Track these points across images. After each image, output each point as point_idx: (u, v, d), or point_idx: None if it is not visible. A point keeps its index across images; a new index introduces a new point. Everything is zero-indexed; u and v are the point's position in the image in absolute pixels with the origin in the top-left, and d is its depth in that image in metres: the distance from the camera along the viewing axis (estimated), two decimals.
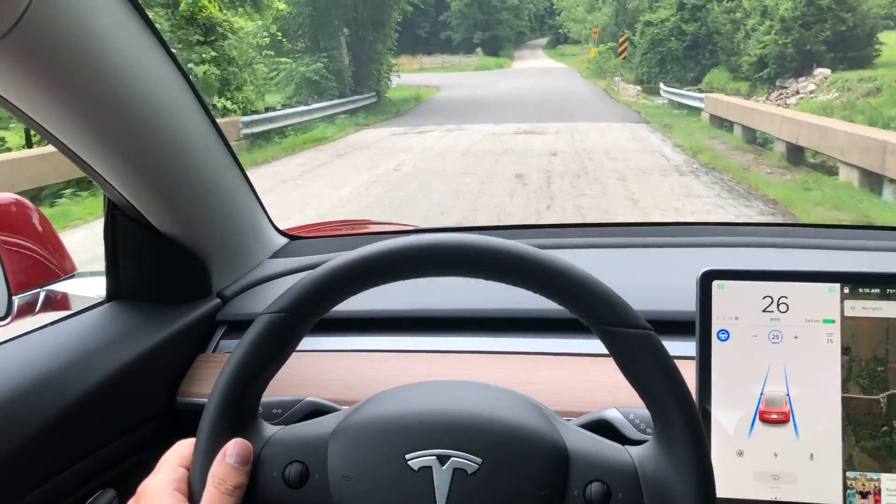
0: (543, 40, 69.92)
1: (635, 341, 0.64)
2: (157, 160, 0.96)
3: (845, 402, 0.73)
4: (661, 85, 24.28)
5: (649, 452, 0.66)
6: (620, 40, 31.98)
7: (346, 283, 0.66)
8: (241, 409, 0.66)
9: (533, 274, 0.65)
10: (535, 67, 46.02)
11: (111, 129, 0.88)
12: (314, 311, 0.67)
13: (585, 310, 0.65)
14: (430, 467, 0.64)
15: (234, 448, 0.63)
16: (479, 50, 51.96)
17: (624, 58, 31.51)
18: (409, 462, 0.64)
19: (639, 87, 26.65)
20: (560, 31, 58.96)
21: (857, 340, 0.73)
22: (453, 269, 0.66)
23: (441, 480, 0.63)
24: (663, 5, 31.65)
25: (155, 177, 0.98)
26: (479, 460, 0.64)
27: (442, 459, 0.64)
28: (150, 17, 0.89)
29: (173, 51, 0.94)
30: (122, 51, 0.85)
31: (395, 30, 25.10)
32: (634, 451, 0.67)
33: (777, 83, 22.91)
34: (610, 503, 0.64)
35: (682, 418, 0.64)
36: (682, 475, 0.63)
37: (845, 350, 0.73)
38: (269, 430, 0.68)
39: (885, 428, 0.72)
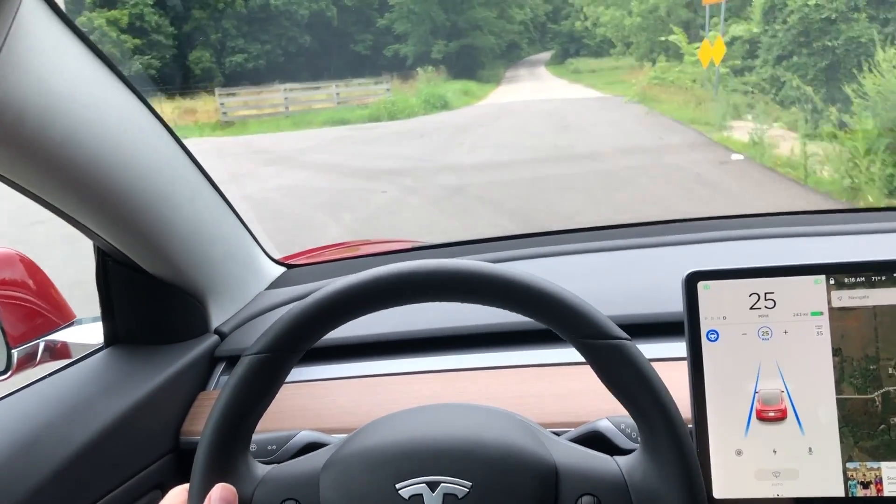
0: (546, 54, 44.75)
1: (612, 352, 0.65)
2: (140, 205, 0.97)
3: (840, 403, 0.73)
4: None
5: (636, 461, 0.66)
6: None
7: (323, 320, 0.66)
8: (232, 452, 0.67)
9: (506, 293, 0.65)
10: (535, 102, 18.91)
11: (89, 180, 0.89)
12: (296, 348, 0.67)
13: (560, 324, 0.66)
14: (421, 495, 0.64)
15: (217, 493, 0.64)
16: (427, 69, 26.79)
17: None
18: (399, 491, 0.64)
19: None
20: (574, 34, 36.97)
21: (847, 341, 0.73)
22: (425, 294, 0.66)
23: None
24: None
25: (139, 222, 0.98)
26: (468, 484, 0.64)
27: (432, 486, 0.64)
28: None
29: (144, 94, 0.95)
30: (94, 103, 0.86)
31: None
32: (622, 461, 0.67)
33: None
34: None
35: (666, 425, 0.64)
36: (669, 482, 0.64)
37: (836, 351, 0.73)
38: (261, 469, 0.69)
39: (882, 426, 0.72)
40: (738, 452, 0.74)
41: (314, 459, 0.69)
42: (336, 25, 34.23)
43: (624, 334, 0.66)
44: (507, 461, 0.66)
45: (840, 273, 0.74)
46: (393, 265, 0.66)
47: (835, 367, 0.73)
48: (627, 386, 0.65)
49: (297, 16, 32.30)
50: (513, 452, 0.66)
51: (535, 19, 44.29)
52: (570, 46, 40.62)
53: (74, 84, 0.83)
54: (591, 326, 0.65)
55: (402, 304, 0.67)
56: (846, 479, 0.72)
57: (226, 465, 0.66)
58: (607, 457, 0.69)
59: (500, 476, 0.65)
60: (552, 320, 0.66)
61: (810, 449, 0.73)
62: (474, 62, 35.06)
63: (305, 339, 0.67)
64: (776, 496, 0.73)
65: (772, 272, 0.75)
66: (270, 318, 1.27)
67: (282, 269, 1.46)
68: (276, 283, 1.41)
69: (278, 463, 0.87)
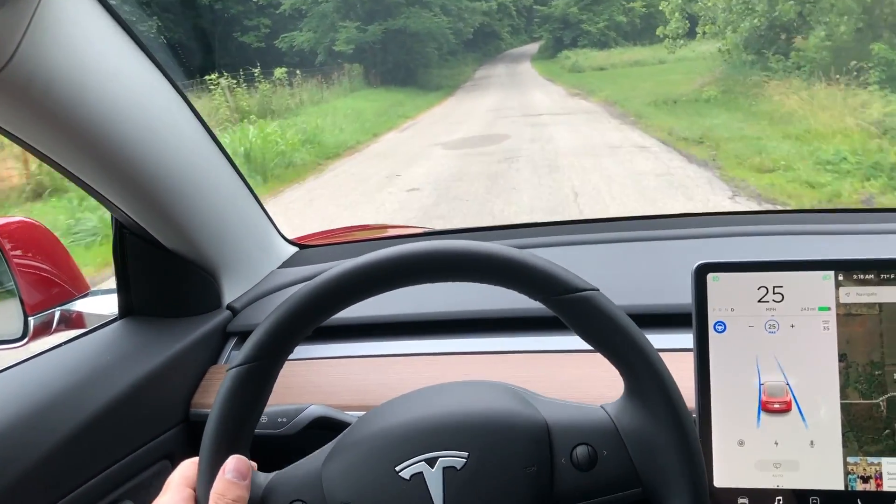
0: (534, 46, 34.31)
1: (583, 303, 0.66)
2: (160, 180, 0.98)
3: (845, 408, 0.73)
4: None
5: (623, 405, 0.68)
6: None
7: (299, 324, 0.67)
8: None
9: (472, 265, 0.67)
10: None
11: (112, 152, 0.90)
12: (280, 353, 0.68)
13: (530, 287, 0.67)
14: (422, 472, 0.66)
15: (232, 464, 0.65)
16: (277, 76, 15.72)
17: None
18: (400, 473, 0.66)
19: None
20: (569, 17, 27.63)
21: (853, 346, 0.74)
22: (395, 282, 0.68)
23: (434, 482, 0.65)
24: None
25: (158, 196, 1.00)
26: (465, 454, 0.66)
27: (430, 462, 0.66)
28: None
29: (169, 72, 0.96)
30: (119, 76, 0.87)
31: None
32: (610, 407, 0.69)
33: None
34: (597, 462, 0.66)
35: (644, 365, 0.66)
36: (658, 421, 0.65)
37: (841, 357, 0.74)
38: (263, 477, 0.69)
39: (886, 431, 0.73)
40: (741, 443, 0.75)
41: (313, 458, 0.70)
42: (208, 3, 20.71)
43: (591, 285, 0.66)
44: (499, 426, 0.67)
45: (849, 269, 0.74)
46: (352, 261, 0.67)
47: (840, 372, 0.74)
48: (601, 334, 0.66)
49: None
50: (503, 417, 0.68)
51: (517, 2, 33.25)
52: (565, 34, 29.48)
53: (100, 57, 0.84)
54: (557, 283, 0.66)
55: (375, 295, 0.68)
56: (846, 472, 0.73)
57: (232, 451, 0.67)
58: (595, 406, 0.70)
59: (493, 441, 0.66)
60: (521, 285, 0.67)
61: (812, 442, 0.74)
62: (413, 58, 21.45)
63: (289, 343, 0.68)
64: (776, 487, 0.74)
65: (781, 266, 0.75)
66: (281, 296, 1.28)
67: (294, 249, 1.48)
68: (289, 263, 1.42)
69: (288, 436, 0.89)
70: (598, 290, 0.67)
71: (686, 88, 13.43)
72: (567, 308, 0.66)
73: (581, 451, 0.66)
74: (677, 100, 12.51)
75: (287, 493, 0.67)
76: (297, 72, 17.02)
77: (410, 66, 21.52)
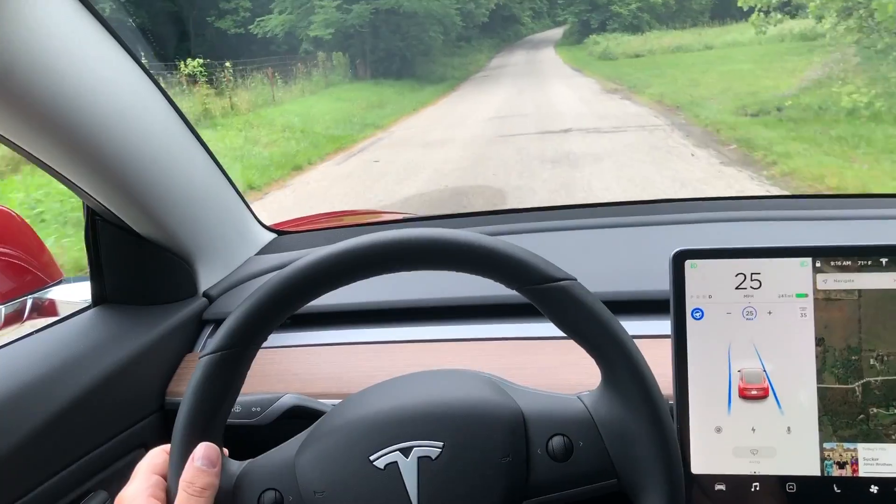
0: (558, 31, 30.72)
1: (559, 293, 0.65)
2: (130, 165, 0.96)
3: (821, 392, 0.74)
4: None
5: (599, 396, 0.68)
6: None
7: (272, 312, 0.66)
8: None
9: (448, 254, 0.66)
10: None
11: (79, 137, 0.88)
12: (253, 341, 0.67)
13: (505, 276, 0.66)
14: (396, 462, 0.65)
15: (201, 451, 0.64)
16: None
17: None
18: (374, 462, 0.65)
19: None
20: (609, 6, 24.63)
21: (830, 331, 0.74)
22: (370, 270, 0.66)
23: (408, 472, 0.65)
24: None
25: (129, 182, 0.98)
26: (440, 444, 0.65)
27: (405, 452, 0.65)
28: None
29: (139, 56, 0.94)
30: (85, 59, 0.85)
31: None
32: (587, 398, 0.69)
33: None
34: (573, 453, 0.66)
35: (621, 356, 0.65)
36: (634, 413, 0.65)
37: (819, 341, 0.74)
38: (236, 465, 0.69)
39: (861, 416, 0.73)
40: (718, 430, 0.75)
41: (287, 447, 0.70)
42: None
43: (568, 275, 0.66)
44: (474, 416, 0.67)
45: (826, 256, 0.74)
46: (324, 250, 0.66)
47: (817, 356, 0.74)
48: (578, 324, 0.66)
49: None
50: (478, 406, 0.68)
51: None
52: (592, 17, 26.50)
53: (67, 40, 0.82)
54: (533, 272, 0.65)
55: (348, 283, 0.67)
56: (822, 458, 0.73)
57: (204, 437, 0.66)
58: (572, 396, 0.70)
59: (469, 431, 0.66)
60: (497, 274, 0.66)
61: (789, 428, 0.74)
62: (410, 45, 17.86)
63: (262, 331, 0.67)
64: (753, 473, 0.74)
65: (759, 253, 0.75)
66: (258, 283, 1.27)
67: (272, 236, 1.46)
68: (266, 249, 1.41)
69: (263, 426, 0.89)
70: (575, 279, 0.66)
71: (784, 86, 8.70)
72: (543, 298, 0.66)
73: (557, 441, 0.66)
74: (781, 106, 7.95)
75: (260, 482, 0.67)
76: (227, 63, 13.57)
77: (407, 54, 18.03)
